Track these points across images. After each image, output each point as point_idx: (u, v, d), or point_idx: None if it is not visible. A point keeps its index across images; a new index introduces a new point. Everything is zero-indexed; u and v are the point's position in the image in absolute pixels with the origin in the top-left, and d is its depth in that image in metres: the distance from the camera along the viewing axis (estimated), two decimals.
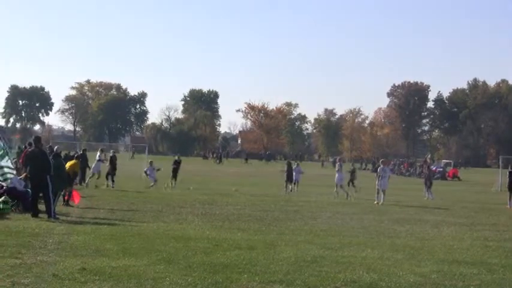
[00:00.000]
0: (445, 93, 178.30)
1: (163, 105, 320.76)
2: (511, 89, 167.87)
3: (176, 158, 43.46)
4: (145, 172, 41.04)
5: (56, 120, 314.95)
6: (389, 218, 24.26)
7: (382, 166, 35.05)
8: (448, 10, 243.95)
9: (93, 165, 38.28)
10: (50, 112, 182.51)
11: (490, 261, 14.13)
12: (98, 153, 40.24)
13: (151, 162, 41.23)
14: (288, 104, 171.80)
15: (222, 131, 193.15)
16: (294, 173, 40.17)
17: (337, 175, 37.03)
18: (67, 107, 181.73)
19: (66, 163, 24.18)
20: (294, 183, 40.33)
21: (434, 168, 77.27)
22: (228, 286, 10.56)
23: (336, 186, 36.81)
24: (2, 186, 21.83)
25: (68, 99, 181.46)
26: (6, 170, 24.45)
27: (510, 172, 33.15)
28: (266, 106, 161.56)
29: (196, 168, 74.14)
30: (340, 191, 36.40)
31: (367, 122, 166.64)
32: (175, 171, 40.48)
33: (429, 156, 63.61)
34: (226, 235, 17.15)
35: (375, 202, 31.97)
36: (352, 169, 41.37)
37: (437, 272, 12.46)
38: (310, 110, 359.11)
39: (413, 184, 50.99)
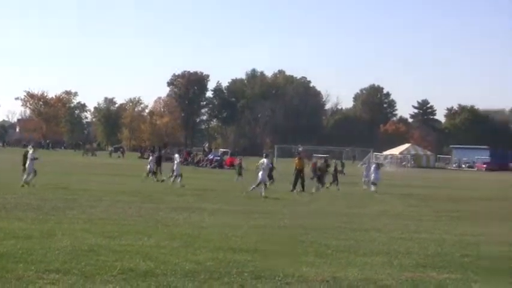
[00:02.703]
0: (224, 83, 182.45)
1: None
2: (287, 80, 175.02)
3: None
4: None
5: None
6: (168, 207, 24.39)
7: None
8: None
9: None
10: None
11: (263, 248, 14.55)
12: None
13: None
14: (68, 93, 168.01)
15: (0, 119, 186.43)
16: None
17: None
18: None
19: None
20: None
21: (211, 157, 79.00)
22: (3, 276, 10.25)
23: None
24: None
25: None
26: None
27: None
28: (46, 94, 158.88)
29: None
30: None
31: (146, 111, 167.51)
32: None
33: (206, 145, 64.89)
34: (3, 224, 16.57)
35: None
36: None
37: (212, 259, 12.68)
38: (90, 98, 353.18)
39: (191, 173, 51.77)
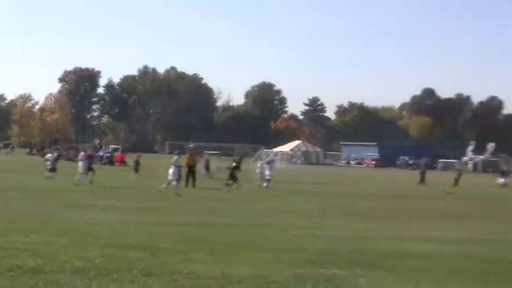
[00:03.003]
0: (116, 80, 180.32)
1: None
2: (179, 77, 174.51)
3: None
4: None
5: None
6: (60, 203, 24.05)
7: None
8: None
9: None
10: None
11: (154, 245, 14.49)
12: None
13: None
14: None
15: None
16: None
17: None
18: None
19: None
20: None
21: (102, 154, 77.75)
22: None
23: None
24: None
25: None
26: None
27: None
28: None
29: None
30: None
31: (37, 107, 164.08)
32: None
33: (97, 141, 64.03)
34: None
35: None
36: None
37: (102, 256, 12.57)
38: None
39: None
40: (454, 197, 39.09)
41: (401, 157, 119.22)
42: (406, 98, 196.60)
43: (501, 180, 60.77)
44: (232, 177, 38.30)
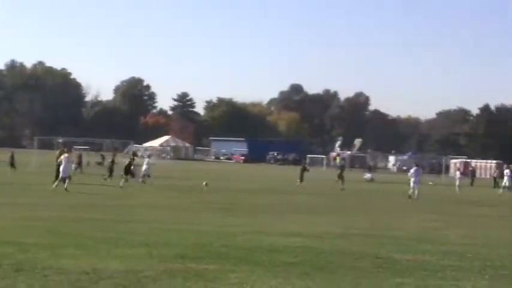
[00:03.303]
0: None
1: None
2: (47, 71, 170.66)
3: None
4: None
5: None
6: None
7: None
8: None
9: None
10: None
11: (23, 241, 14.28)
12: None
13: None
14: None
15: None
16: None
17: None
18: None
19: None
20: None
21: None
22: None
23: None
24: None
25: None
26: None
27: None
28: None
29: None
30: None
31: None
32: None
33: None
34: None
35: None
36: None
37: None
38: None
39: None
40: (321, 192, 40.11)
41: (270, 152, 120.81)
42: (275, 94, 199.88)
43: (367, 175, 62.79)
44: (128, 172, 38.42)
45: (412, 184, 38.52)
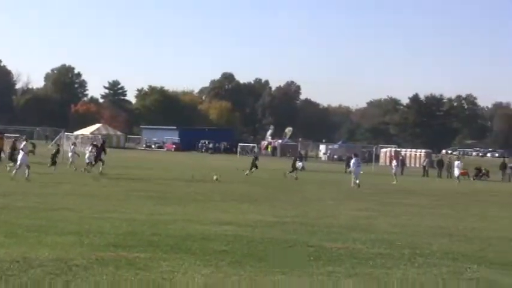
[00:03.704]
0: None
1: None
2: None
3: None
4: None
5: None
6: None
7: None
8: None
9: None
10: None
11: None
12: None
13: None
14: None
15: None
16: None
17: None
18: None
19: None
20: None
21: None
22: None
23: None
24: None
25: None
26: None
27: None
28: None
29: None
30: None
31: None
32: None
33: None
34: None
35: None
36: None
37: None
38: None
39: None
40: (254, 181, 40.23)
41: (202, 141, 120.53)
42: (206, 83, 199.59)
43: (299, 164, 63.16)
44: (98, 160, 38.54)
45: (353, 174, 39.81)
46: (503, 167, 65.16)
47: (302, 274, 11.33)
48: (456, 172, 53.28)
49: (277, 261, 12.45)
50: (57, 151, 41.64)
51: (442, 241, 16.57)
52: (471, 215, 25.07)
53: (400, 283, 11.05)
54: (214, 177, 38.86)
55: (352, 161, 41.00)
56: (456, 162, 55.16)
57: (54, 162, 39.93)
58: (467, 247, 15.73)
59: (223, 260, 12.16)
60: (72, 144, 46.19)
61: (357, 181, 38.82)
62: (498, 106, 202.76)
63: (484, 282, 11.56)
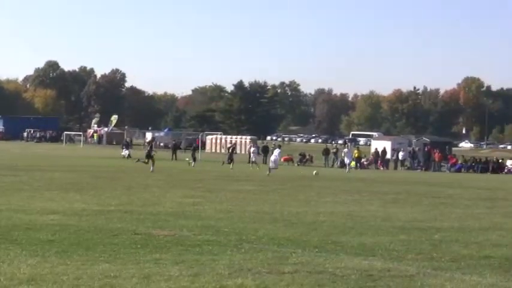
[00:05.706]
0: None
1: None
2: None
3: None
4: None
5: None
6: None
7: None
8: None
9: None
10: None
11: None
12: None
13: None
14: None
15: None
16: None
17: None
18: None
19: None
20: None
21: None
22: None
23: None
24: None
25: None
26: None
27: None
28: None
29: None
30: None
31: None
32: None
33: None
34: None
35: None
36: None
37: None
38: None
39: None
40: (79, 169, 39.41)
41: (27, 130, 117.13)
42: (30, 71, 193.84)
43: (125, 151, 62.50)
44: None
45: (271, 164, 42.73)
46: (326, 152, 67.17)
47: (128, 262, 11.32)
48: (346, 160, 53.99)
49: (103, 249, 12.47)
50: None
51: (267, 227, 16.86)
52: (295, 200, 25.60)
53: (227, 269, 11.07)
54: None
55: (275, 152, 44.49)
56: (345, 150, 56.51)
57: None
58: (292, 232, 16.07)
59: (49, 250, 12.09)
60: None
61: (273, 170, 41.42)
62: (320, 92, 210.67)
63: (308, 266, 11.78)
